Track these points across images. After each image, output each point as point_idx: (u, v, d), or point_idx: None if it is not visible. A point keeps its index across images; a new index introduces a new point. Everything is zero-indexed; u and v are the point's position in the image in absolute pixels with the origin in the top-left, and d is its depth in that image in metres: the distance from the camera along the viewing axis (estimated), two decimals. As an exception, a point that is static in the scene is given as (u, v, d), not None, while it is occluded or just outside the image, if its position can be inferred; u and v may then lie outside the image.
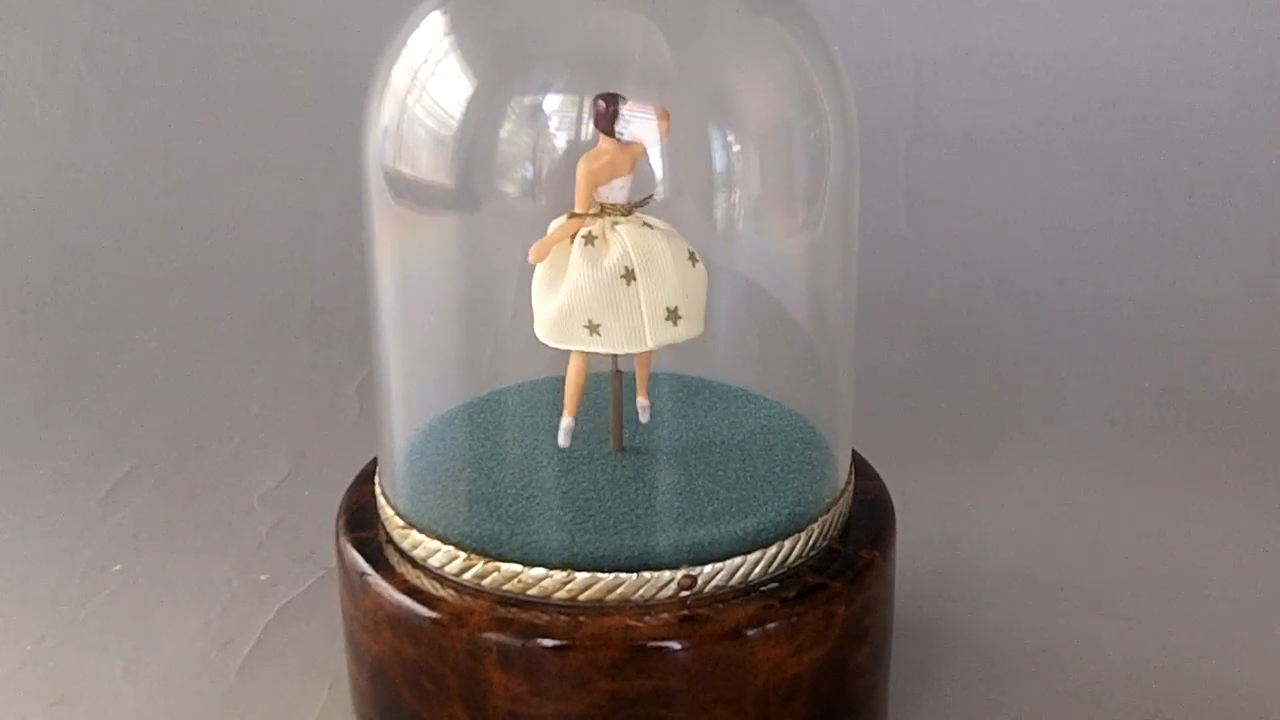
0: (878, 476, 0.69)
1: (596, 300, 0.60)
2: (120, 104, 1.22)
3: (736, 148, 0.60)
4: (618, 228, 0.60)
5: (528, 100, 0.60)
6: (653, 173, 0.60)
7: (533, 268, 0.62)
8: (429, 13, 0.62)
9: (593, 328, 0.60)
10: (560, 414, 0.66)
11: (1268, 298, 1.10)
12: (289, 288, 1.15)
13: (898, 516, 0.66)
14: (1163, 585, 0.79)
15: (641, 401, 0.66)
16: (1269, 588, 0.79)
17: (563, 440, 0.64)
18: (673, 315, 0.60)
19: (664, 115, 0.58)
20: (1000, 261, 1.13)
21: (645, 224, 0.60)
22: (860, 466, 0.69)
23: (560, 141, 0.59)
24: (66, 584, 0.80)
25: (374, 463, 0.68)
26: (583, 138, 0.58)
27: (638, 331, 0.60)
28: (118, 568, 0.81)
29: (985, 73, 1.15)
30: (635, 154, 0.59)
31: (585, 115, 0.58)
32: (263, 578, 0.81)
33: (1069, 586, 0.79)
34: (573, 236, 0.60)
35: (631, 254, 0.60)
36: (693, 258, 0.61)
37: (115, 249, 1.18)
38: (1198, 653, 0.73)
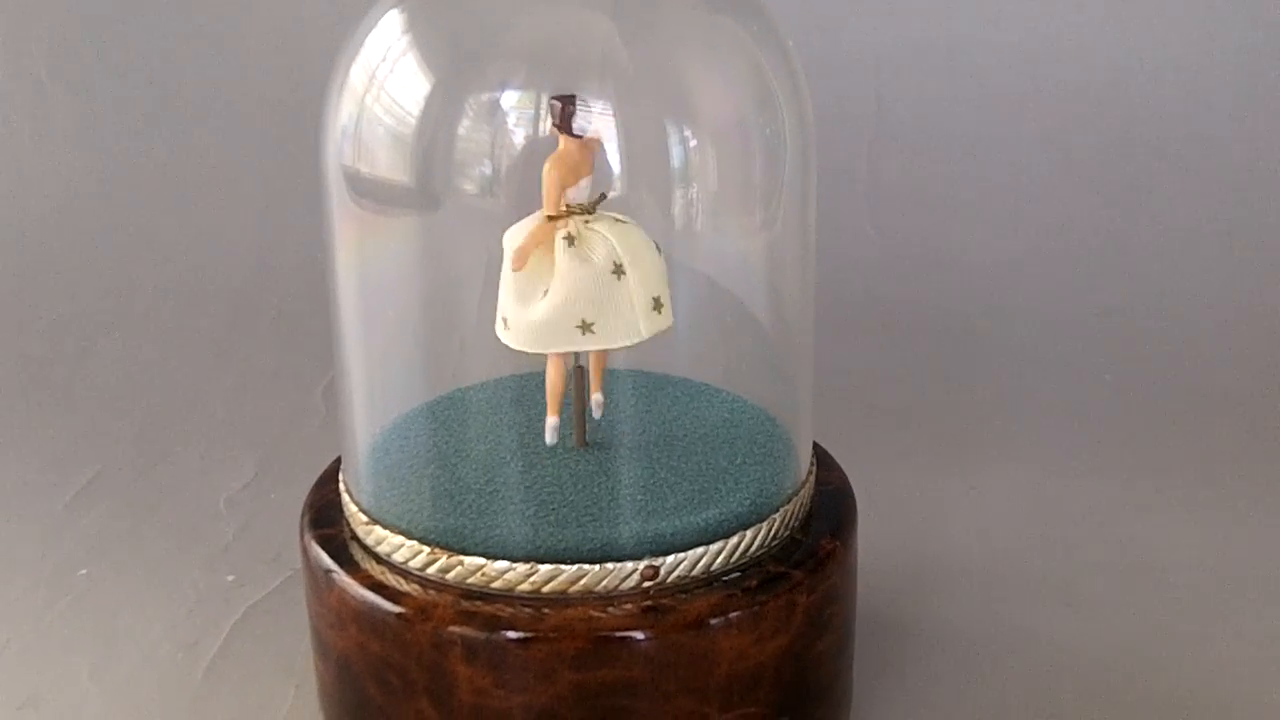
0: (839, 468, 0.69)
1: (592, 298, 0.61)
2: (84, 111, 1.21)
3: (693, 143, 0.61)
4: (594, 225, 0.60)
5: (485, 97, 0.60)
6: (610, 168, 0.60)
7: (495, 265, 0.62)
8: (386, 11, 0.62)
9: (585, 327, 0.61)
10: (523, 409, 0.67)
11: (1228, 293, 1.11)
12: (254, 293, 1.15)
13: (861, 510, 0.67)
14: (1126, 576, 0.80)
15: (596, 397, 0.66)
16: (1231, 578, 0.80)
17: (549, 438, 0.65)
18: (657, 304, 0.61)
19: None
20: (963, 260, 1.14)
21: (617, 219, 0.61)
22: (822, 458, 0.69)
23: (518, 138, 0.59)
24: (32, 588, 0.80)
25: (338, 462, 0.68)
26: (541, 134, 0.59)
27: (632, 325, 0.61)
28: (84, 572, 0.81)
29: (946, 72, 1.16)
30: (593, 150, 0.60)
31: (543, 112, 0.59)
32: (229, 579, 0.81)
33: (1033, 579, 0.80)
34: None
35: (618, 249, 0.60)
36: (657, 247, 0.62)
37: (80, 256, 1.18)
38: (1162, 642, 0.74)
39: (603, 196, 0.61)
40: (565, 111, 0.59)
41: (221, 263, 1.17)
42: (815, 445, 0.69)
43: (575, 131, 0.59)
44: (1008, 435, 0.97)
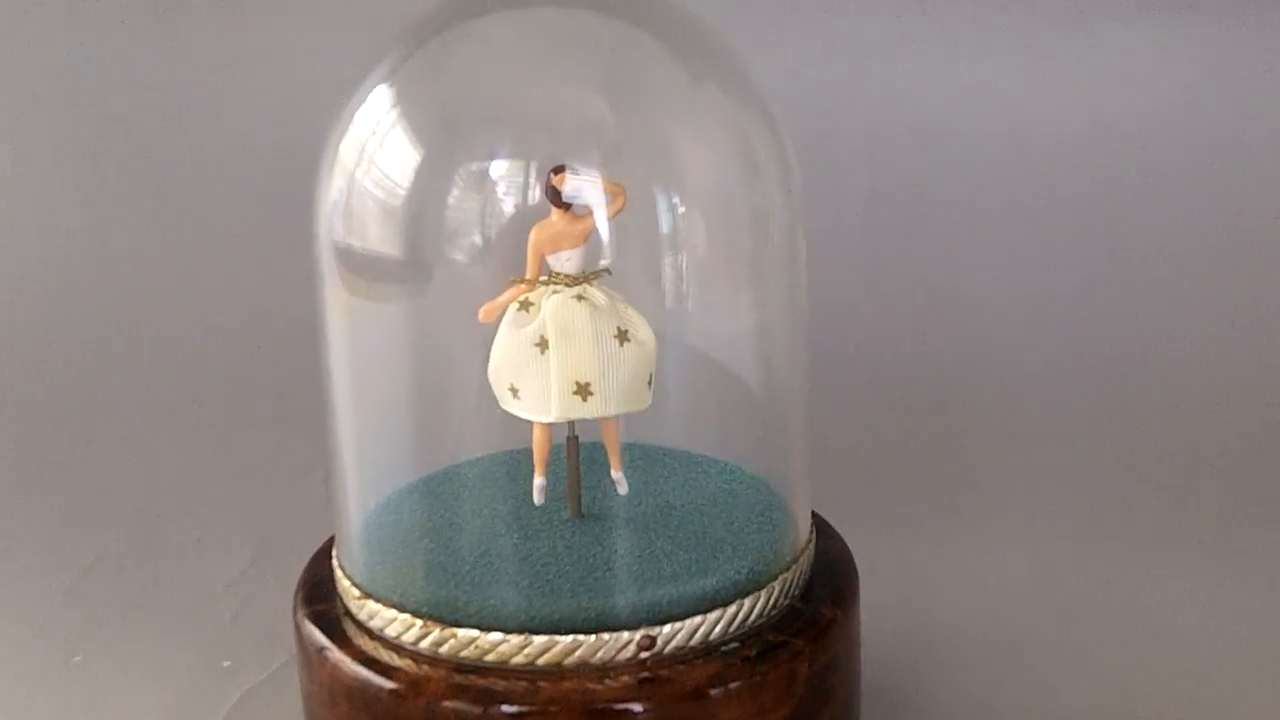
0: (839, 537, 0.69)
1: (513, 365, 0.61)
2: (86, 199, 1.23)
3: (682, 210, 0.61)
4: (550, 298, 0.60)
5: (474, 168, 0.60)
6: (601, 243, 0.60)
7: (488, 342, 0.62)
8: (375, 86, 0.62)
9: (514, 391, 0.61)
10: (518, 483, 0.66)
11: (1227, 355, 1.11)
12: (253, 375, 1.15)
13: (863, 578, 0.66)
14: (1131, 641, 0.78)
15: (616, 475, 0.65)
16: (1236, 642, 0.78)
17: (538, 498, 0.64)
18: (582, 390, 0.60)
19: (617, 190, 0.59)
20: (958, 326, 1.14)
21: (579, 296, 0.60)
22: (821, 527, 0.69)
23: (508, 207, 0.60)
24: (24, 675, 0.79)
25: (333, 539, 0.68)
26: (530, 203, 0.59)
27: (544, 403, 0.60)
28: (78, 659, 0.80)
29: (935, 141, 1.17)
30: (587, 228, 0.60)
31: (532, 181, 0.59)
32: (225, 664, 0.79)
33: (1038, 645, 0.78)
34: None
35: (549, 324, 0.60)
36: (623, 336, 0.60)
37: (79, 342, 1.18)
38: (1167, 707, 0.72)
39: (600, 272, 0.61)
40: (549, 181, 0.59)
41: (220, 347, 1.17)
42: (814, 514, 0.68)
43: (563, 201, 0.59)
44: (1009, 502, 0.96)
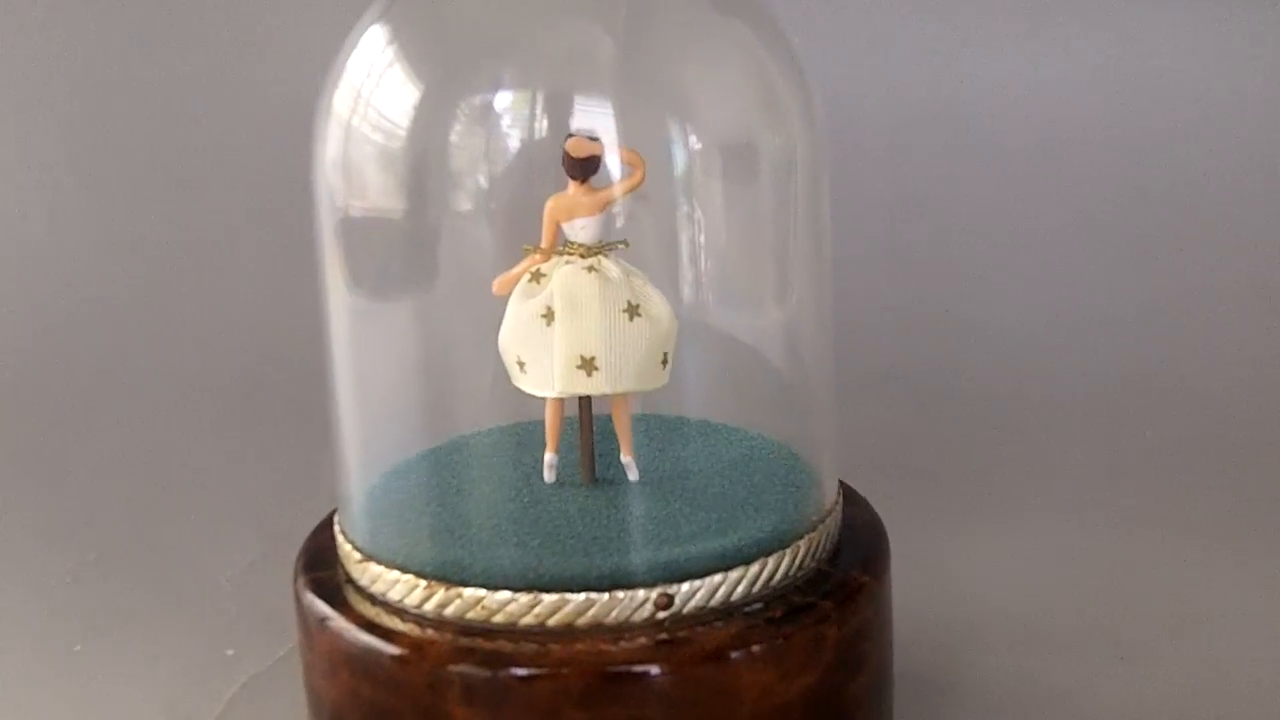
0: (868, 505, 0.65)
1: (520, 338, 0.58)
2: (94, 197, 1.21)
3: (699, 148, 0.58)
4: (562, 268, 0.57)
5: (477, 101, 0.57)
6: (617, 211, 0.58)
7: (497, 312, 0.59)
8: (367, 28, 0.60)
9: (521, 364, 0.58)
10: (528, 452, 0.63)
11: (1257, 345, 1.07)
12: (262, 374, 1.12)
13: (896, 569, 0.61)
14: (1167, 628, 0.75)
15: (625, 459, 0.61)
16: (1270, 629, 0.74)
17: (548, 475, 0.61)
18: (587, 365, 0.57)
19: (635, 162, 0.56)
20: (986, 321, 1.11)
21: (591, 268, 0.57)
22: (850, 495, 0.65)
23: (513, 144, 0.57)
24: (25, 665, 0.76)
25: (335, 512, 0.65)
26: (536, 138, 0.56)
27: (548, 376, 0.58)
28: (79, 648, 0.77)
29: (960, 135, 1.14)
30: (603, 198, 0.57)
31: (539, 115, 0.56)
32: (229, 653, 0.76)
33: (1072, 633, 0.75)
34: None
35: (556, 296, 0.57)
36: (633, 311, 0.57)
37: (85, 334, 1.16)
38: (1203, 694, 0.68)
39: (616, 244, 0.58)
40: (565, 150, 0.56)
41: (228, 339, 1.15)
42: (843, 484, 0.65)
43: (578, 173, 0.57)
44: (1043, 494, 0.92)
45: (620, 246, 0.58)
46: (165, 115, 1.23)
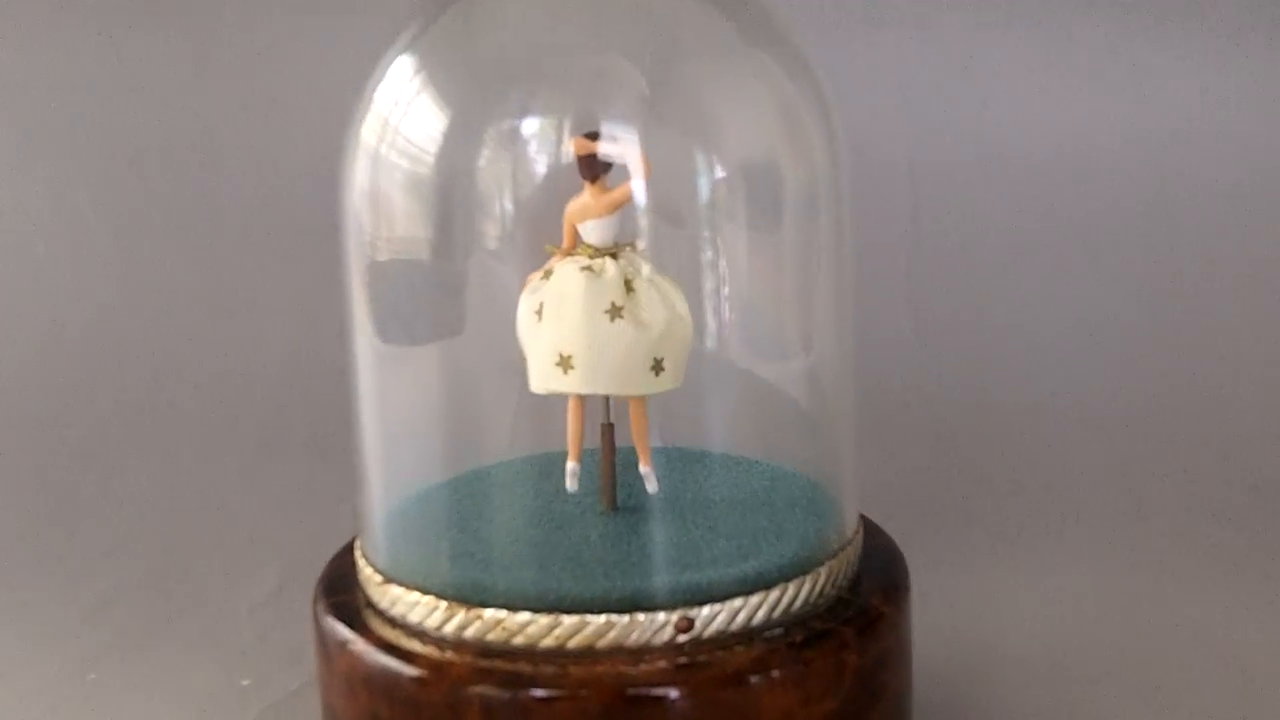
0: (888, 535, 0.65)
1: (521, 332, 0.59)
2: (121, 239, 1.22)
3: (721, 175, 0.58)
4: (568, 267, 0.58)
5: (505, 126, 0.58)
6: (632, 216, 0.58)
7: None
8: (395, 59, 0.60)
9: (525, 361, 0.59)
10: (550, 480, 0.63)
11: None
12: (286, 414, 1.13)
13: (915, 605, 0.61)
14: (1192, 666, 0.74)
15: (644, 469, 0.61)
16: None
17: (570, 484, 0.61)
18: (565, 362, 0.57)
19: (640, 159, 0.57)
20: (1006, 359, 1.10)
21: (586, 267, 0.58)
22: (870, 526, 0.65)
23: (540, 169, 0.57)
24: (37, 693, 0.76)
25: (355, 539, 0.65)
26: (562, 162, 0.57)
27: (537, 373, 0.59)
28: (93, 676, 0.77)
29: (980, 172, 1.15)
30: (614, 199, 0.58)
31: (565, 140, 0.57)
32: (245, 683, 0.76)
33: (1095, 670, 0.74)
34: None
35: (547, 293, 0.58)
36: (615, 312, 0.57)
37: (113, 380, 1.17)
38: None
39: (627, 245, 0.59)
40: (577, 152, 0.57)
41: (254, 387, 1.15)
42: (863, 516, 0.65)
43: (589, 172, 0.57)
44: (1066, 530, 0.92)
45: (629, 249, 0.58)
46: (193, 162, 1.24)
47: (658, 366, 0.58)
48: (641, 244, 0.59)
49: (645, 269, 0.58)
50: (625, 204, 0.58)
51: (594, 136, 0.57)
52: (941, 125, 1.17)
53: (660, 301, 0.58)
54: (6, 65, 1.27)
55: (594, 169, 0.57)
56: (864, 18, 1.18)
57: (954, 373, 1.10)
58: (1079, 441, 1.05)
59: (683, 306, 0.58)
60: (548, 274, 0.59)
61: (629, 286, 0.58)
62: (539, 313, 0.58)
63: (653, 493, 0.61)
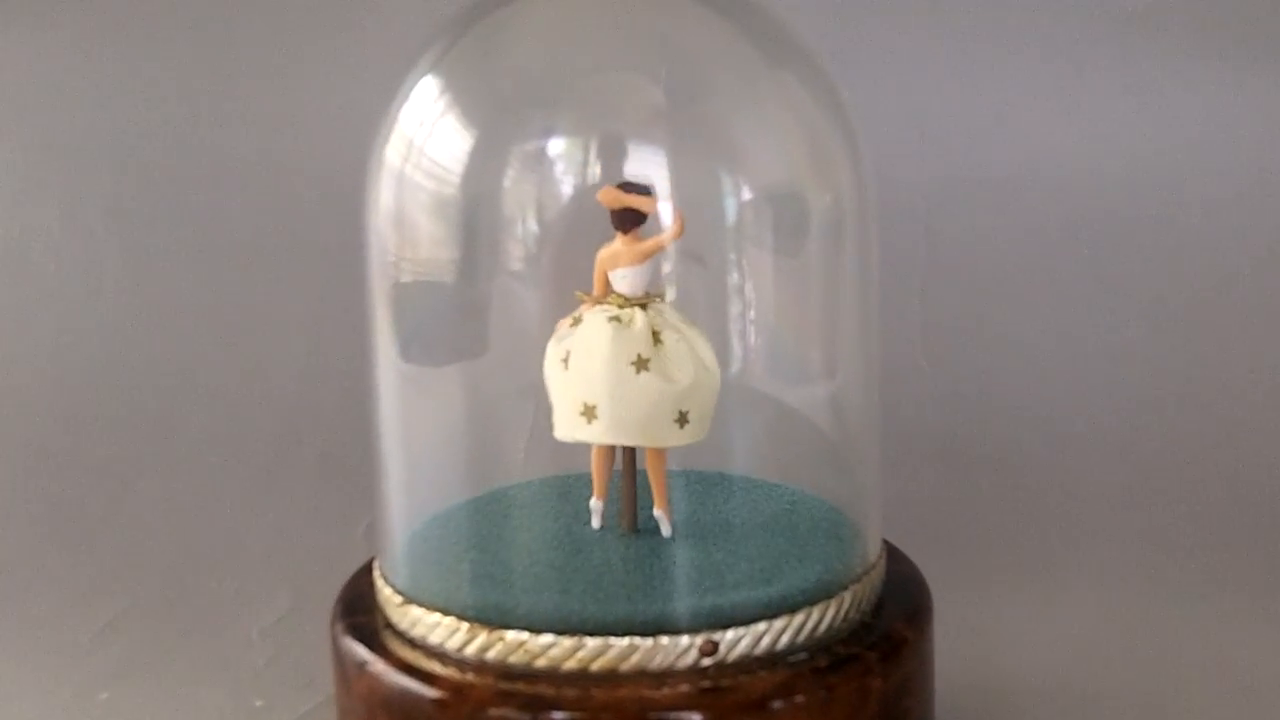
0: (911, 561, 0.64)
1: (548, 379, 0.59)
2: (132, 258, 1.22)
3: (748, 198, 0.58)
4: (597, 317, 0.58)
5: (530, 147, 0.58)
6: (661, 264, 0.58)
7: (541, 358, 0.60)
8: (419, 80, 0.60)
9: (553, 409, 0.59)
10: (570, 502, 0.63)
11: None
12: (297, 435, 1.12)
13: (938, 634, 0.61)
14: (1213, 697, 0.74)
15: (658, 512, 0.61)
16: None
17: (595, 522, 0.61)
18: (589, 412, 0.57)
19: (675, 216, 0.57)
20: (1020, 390, 1.10)
21: (615, 317, 0.58)
22: (893, 551, 0.65)
23: (566, 189, 0.57)
24: (53, 712, 0.75)
25: (373, 560, 0.64)
26: (589, 182, 0.57)
27: (560, 420, 0.59)
28: (104, 696, 0.77)
29: (994, 204, 1.15)
30: (646, 249, 0.58)
31: (592, 160, 0.56)
32: (257, 704, 0.76)
33: (1115, 700, 0.73)
34: None
35: (574, 341, 0.58)
36: (641, 364, 0.57)
37: (124, 399, 1.17)
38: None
39: (656, 296, 0.59)
40: (611, 204, 0.57)
41: (264, 404, 1.15)
42: (885, 542, 0.64)
43: (622, 225, 0.57)
44: (1085, 562, 0.91)
45: (657, 300, 0.58)
46: (205, 181, 1.24)
47: (683, 419, 0.58)
48: (670, 294, 0.59)
49: (674, 319, 0.58)
50: (658, 254, 0.58)
51: (628, 188, 0.57)
52: (955, 148, 1.17)
53: (688, 354, 0.58)
54: (19, 83, 1.27)
55: (626, 222, 0.57)
56: (877, 42, 1.18)
57: (967, 405, 1.10)
58: (1097, 466, 1.04)
59: (710, 359, 0.58)
60: (576, 321, 0.58)
61: (657, 338, 0.57)
62: (565, 361, 0.58)
63: (667, 536, 0.60)
